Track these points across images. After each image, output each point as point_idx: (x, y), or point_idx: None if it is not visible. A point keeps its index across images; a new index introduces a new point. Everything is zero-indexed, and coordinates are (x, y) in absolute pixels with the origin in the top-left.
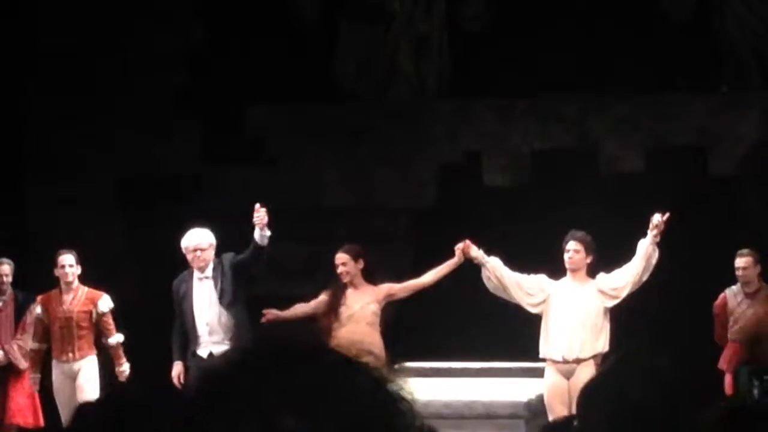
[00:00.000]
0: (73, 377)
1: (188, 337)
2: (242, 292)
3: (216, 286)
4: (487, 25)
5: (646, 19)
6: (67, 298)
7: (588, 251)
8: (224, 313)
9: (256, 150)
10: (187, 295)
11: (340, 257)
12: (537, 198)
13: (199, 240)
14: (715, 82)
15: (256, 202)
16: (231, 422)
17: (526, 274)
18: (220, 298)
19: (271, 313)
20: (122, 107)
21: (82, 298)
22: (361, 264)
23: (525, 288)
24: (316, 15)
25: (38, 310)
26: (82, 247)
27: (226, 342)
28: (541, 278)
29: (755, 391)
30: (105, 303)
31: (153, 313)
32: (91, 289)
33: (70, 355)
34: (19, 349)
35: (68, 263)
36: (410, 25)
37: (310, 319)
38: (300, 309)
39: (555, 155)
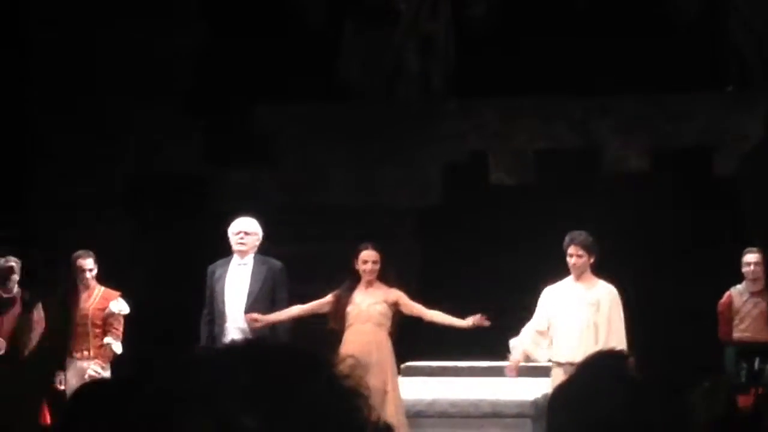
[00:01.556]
0: (84, 375)
1: (215, 324)
2: (270, 302)
3: (255, 281)
4: (492, 24)
5: (651, 19)
6: (84, 297)
7: (590, 253)
8: (255, 304)
9: (262, 150)
10: (222, 278)
11: (372, 255)
12: (542, 197)
13: (246, 225)
14: (720, 81)
15: (262, 201)
16: (189, 422)
17: (535, 305)
18: (255, 299)
19: (259, 319)
20: (128, 108)
21: (98, 297)
22: (380, 263)
23: (540, 331)
24: (321, 14)
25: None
26: (88, 247)
27: (248, 334)
28: (544, 297)
29: (742, 374)
30: (116, 305)
31: (159, 312)
32: (108, 289)
33: (85, 353)
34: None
35: (88, 267)
36: (416, 24)
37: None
38: (294, 311)
39: (560, 155)
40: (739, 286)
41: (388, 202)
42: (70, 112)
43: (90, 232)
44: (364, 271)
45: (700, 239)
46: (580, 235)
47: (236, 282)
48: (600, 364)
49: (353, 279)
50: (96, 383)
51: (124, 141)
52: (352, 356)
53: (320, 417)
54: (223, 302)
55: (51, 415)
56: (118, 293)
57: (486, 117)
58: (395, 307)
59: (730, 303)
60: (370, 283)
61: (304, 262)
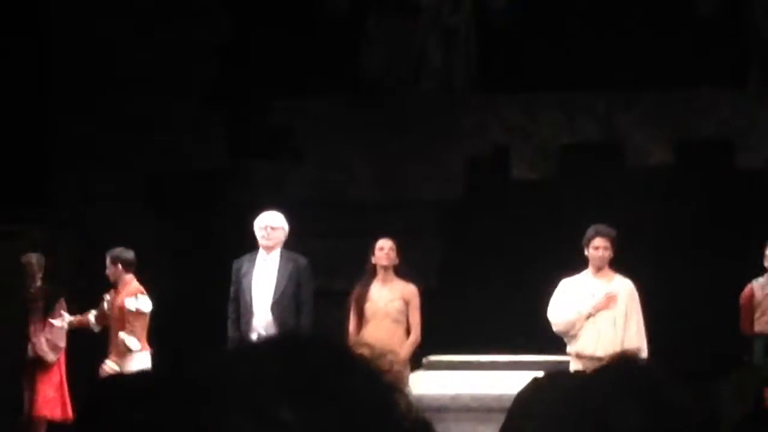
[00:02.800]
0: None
1: (241, 320)
2: (296, 298)
3: (281, 277)
4: (515, 18)
5: (674, 14)
6: (120, 291)
7: (614, 246)
8: (281, 300)
9: (285, 144)
10: (249, 273)
11: (387, 242)
12: (565, 191)
13: (271, 219)
14: (742, 75)
15: (284, 196)
16: (225, 414)
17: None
18: (282, 295)
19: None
20: (150, 103)
21: (122, 294)
22: (398, 259)
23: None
24: (344, 8)
25: (106, 299)
26: (112, 243)
27: (274, 329)
28: (564, 288)
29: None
30: (131, 302)
31: (182, 306)
32: (135, 286)
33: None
34: (47, 342)
35: (106, 264)
36: (439, 18)
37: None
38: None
39: (583, 148)
40: (761, 279)
41: (410, 197)
42: (94, 107)
43: (114, 229)
44: (380, 257)
45: (722, 232)
46: (606, 228)
47: (263, 277)
48: (622, 371)
49: (369, 273)
50: (118, 377)
51: (148, 136)
52: (391, 351)
53: (357, 410)
54: (250, 297)
55: (73, 409)
56: (138, 290)
57: (508, 111)
58: (408, 304)
59: (751, 296)
60: (386, 276)
61: (327, 256)
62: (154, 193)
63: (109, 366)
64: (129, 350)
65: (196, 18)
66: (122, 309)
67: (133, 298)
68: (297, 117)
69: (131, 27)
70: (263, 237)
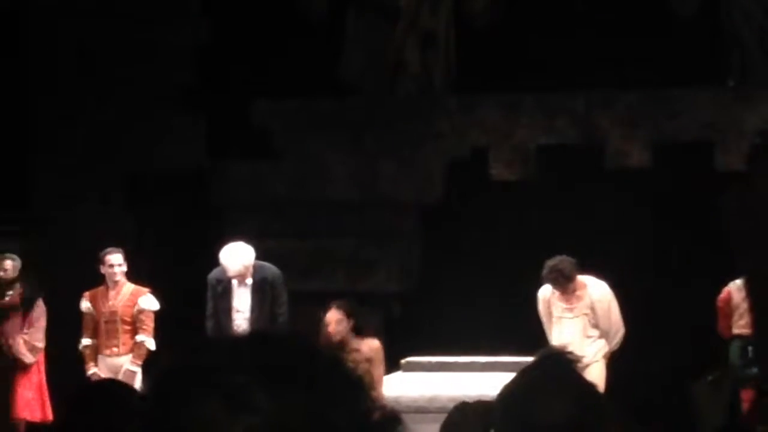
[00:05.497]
0: (116, 372)
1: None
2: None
3: (255, 298)
4: (493, 20)
5: (652, 14)
6: (113, 294)
7: (571, 278)
8: (259, 319)
9: (263, 145)
10: (226, 297)
11: (333, 315)
12: (543, 192)
13: (236, 267)
14: (721, 76)
15: (263, 196)
16: (199, 399)
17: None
18: (258, 315)
19: None
20: (128, 103)
21: (126, 294)
22: (351, 322)
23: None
24: (323, 9)
25: (85, 306)
26: (91, 243)
27: None
28: (541, 299)
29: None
30: (145, 301)
31: (161, 307)
32: (137, 286)
33: (115, 350)
34: (25, 343)
35: (117, 262)
36: (417, 20)
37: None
38: None
39: (561, 150)
40: (738, 282)
41: (389, 198)
42: (72, 108)
43: (91, 229)
44: (329, 332)
45: (700, 234)
46: (553, 270)
47: (239, 302)
48: (547, 367)
49: (328, 345)
50: (100, 381)
51: (126, 137)
52: (357, 350)
53: (327, 399)
54: (229, 320)
55: (54, 411)
56: (147, 290)
57: (487, 112)
58: (370, 362)
59: (729, 299)
60: (345, 342)
61: (305, 257)
62: (133, 193)
63: (130, 369)
64: (149, 351)
65: (175, 19)
66: (131, 309)
67: (144, 298)
68: (275, 118)
69: (110, 28)
70: (234, 279)
